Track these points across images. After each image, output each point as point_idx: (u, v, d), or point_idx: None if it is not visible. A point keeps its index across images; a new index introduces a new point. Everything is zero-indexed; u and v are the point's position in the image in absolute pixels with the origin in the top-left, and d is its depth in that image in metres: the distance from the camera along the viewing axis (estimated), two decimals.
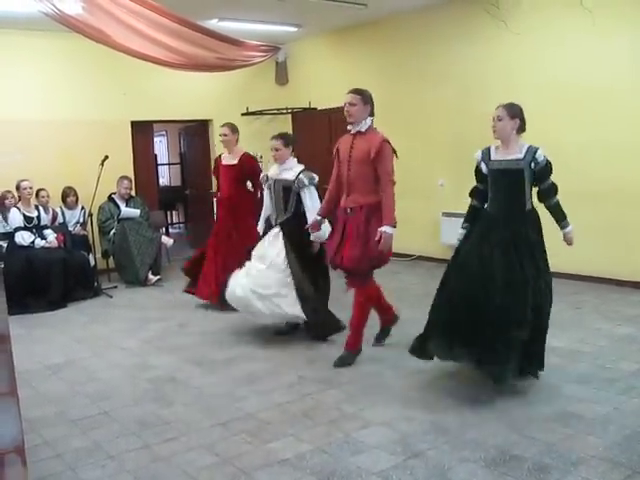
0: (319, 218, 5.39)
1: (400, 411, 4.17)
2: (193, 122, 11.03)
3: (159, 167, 13.97)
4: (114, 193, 8.87)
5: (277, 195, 5.86)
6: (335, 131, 9.49)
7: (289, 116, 11.17)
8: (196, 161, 11.55)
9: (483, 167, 4.63)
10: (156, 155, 12.66)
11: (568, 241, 4.55)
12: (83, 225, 8.64)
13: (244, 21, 8.87)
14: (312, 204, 5.67)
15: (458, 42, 8.43)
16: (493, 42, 7.98)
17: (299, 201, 5.76)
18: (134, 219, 8.71)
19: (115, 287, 8.38)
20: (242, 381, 4.87)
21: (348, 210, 5.03)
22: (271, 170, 6.00)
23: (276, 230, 5.81)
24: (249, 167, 6.94)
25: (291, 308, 5.57)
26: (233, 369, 5.16)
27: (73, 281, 7.77)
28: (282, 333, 6.04)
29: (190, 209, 12.81)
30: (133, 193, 9.17)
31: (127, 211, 8.76)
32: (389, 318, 5.57)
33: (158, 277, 8.55)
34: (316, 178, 5.81)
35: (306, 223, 5.56)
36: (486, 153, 4.60)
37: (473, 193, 4.81)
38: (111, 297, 7.94)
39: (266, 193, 6.06)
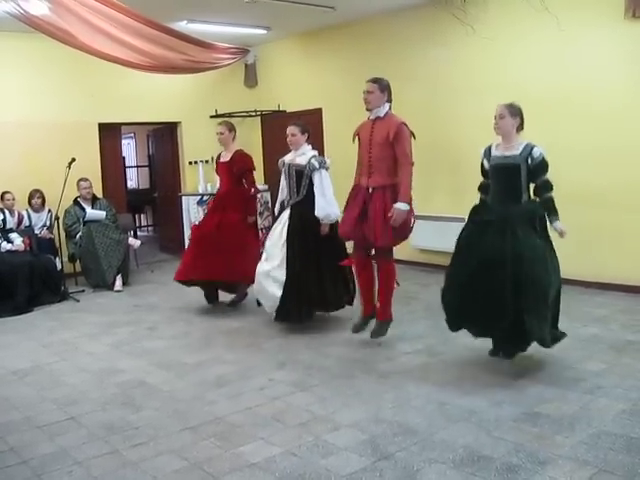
0: None
1: (370, 413, 4.18)
2: (161, 124, 10.96)
3: (127, 169, 13.86)
4: (79, 196, 8.77)
5: (291, 179, 6.18)
6: None
7: (258, 118, 11.16)
8: (165, 163, 11.46)
9: (485, 163, 5.00)
10: (124, 157, 12.56)
11: (559, 234, 4.70)
12: (50, 228, 8.53)
13: (213, 23, 8.84)
14: (322, 187, 5.99)
15: (426, 45, 8.49)
16: (460, 46, 8.05)
17: (311, 184, 6.05)
18: (100, 221, 8.62)
19: (82, 291, 8.29)
20: (212, 385, 4.85)
21: (370, 189, 5.35)
22: (287, 156, 6.31)
23: (287, 213, 6.16)
24: (240, 164, 6.97)
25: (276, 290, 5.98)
26: (203, 373, 5.13)
27: (39, 285, 7.67)
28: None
29: (159, 212, 12.71)
30: (97, 193, 9.07)
31: (92, 213, 8.66)
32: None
33: (120, 290, 8.39)
34: (328, 161, 6.13)
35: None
36: (487, 150, 4.96)
37: (481, 188, 5.17)
38: (78, 301, 7.85)
39: (282, 178, 6.35)
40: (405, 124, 5.32)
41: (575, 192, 6.89)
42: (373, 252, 5.54)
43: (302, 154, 6.16)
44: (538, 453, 3.51)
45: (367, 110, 5.47)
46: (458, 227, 8.02)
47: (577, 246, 6.99)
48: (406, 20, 8.62)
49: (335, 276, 6.11)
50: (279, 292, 5.95)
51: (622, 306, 6.45)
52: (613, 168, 6.84)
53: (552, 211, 4.73)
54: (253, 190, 7.10)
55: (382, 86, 5.41)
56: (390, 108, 5.45)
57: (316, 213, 5.96)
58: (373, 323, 5.65)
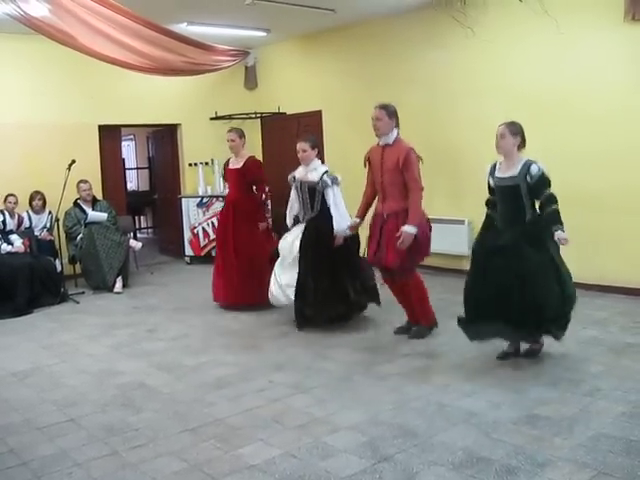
0: (357, 220, 5.95)
1: (369, 415, 4.18)
2: (161, 126, 10.96)
3: (127, 171, 13.86)
4: (79, 198, 8.76)
5: (304, 195, 6.30)
6: None
7: (258, 121, 11.16)
8: (165, 165, 11.46)
9: (491, 181, 5.12)
10: (124, 159, 12.56)
11: (562, 241, 4.76)
12: (50, 230, 8.52)
13: (213, 25, 8.85)
14: (335, 203, 6.13)
15: (425, 48, 8.50)
16: (460, 48, 8.05)
17: (324, 200, 6.19)
18: (101, 223, 8.61)
19: (82, 293, 8.29)
20: (211, 387, 4.85)
21: (385, 215, 5.57)
22: (298, 171, 6.41)
23: (302, 226, 6.31)
24: (252, 171, 7.04)
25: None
26: (202, 375, 5.13)
27: (39, 287, 7.67)
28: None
29: (158, 214, 12.71)
30: (97, 195, 9.07)
31: (94, 215, 8.66)
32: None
33: (120, 291, 8.37)
34: (339, 178, 6.23)
35: (331, 220, 6.08)
36: (492, 169, 5.08)
37: (488, 203, 5.26)
38: (78, 303, 7.85)
39: (293, 193, 6.46)
40: (413, 149, 5.46)
41: (574, 195, 6.89)
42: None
43: (313, 169, 6.25)
44: (537, 455, 3.51)
45: (376, 136, 5.58)
46: (458, 229, 8.17)
47: (577, 249, 6.95)
48: (406, 22, 8.62)
49: (352, 283, 6.18)
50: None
51: (622, 308, 6.45)
52: (612, 171, 6.84)
53: (555, 222, 4.77)
54: (264, 197, 7.14)
55: (390, 112, 5.52)
56: (398, 134, 5.56)
57: (335, 228, 6.06)
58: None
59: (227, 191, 7.69)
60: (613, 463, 3.39)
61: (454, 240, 8.23)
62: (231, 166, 7.15)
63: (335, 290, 6.09)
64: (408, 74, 8.72)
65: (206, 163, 10.56)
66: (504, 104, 7.59)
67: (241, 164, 7.02)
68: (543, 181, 4.77)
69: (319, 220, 6.18)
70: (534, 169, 4.76)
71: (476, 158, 8.06)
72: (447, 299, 7.12)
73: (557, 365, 4.92)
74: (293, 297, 6.17)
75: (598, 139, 6.92)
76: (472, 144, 8.08)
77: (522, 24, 7.38)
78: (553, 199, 4.78)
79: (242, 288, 6.89)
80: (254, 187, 7.10)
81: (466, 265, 8.24)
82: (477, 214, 7.97)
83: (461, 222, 8.23)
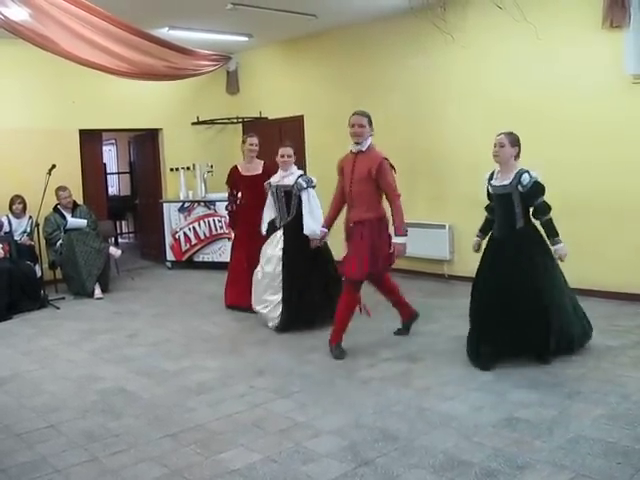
0: (325, 230, 5.86)
1: (350, 419, 4.19)
2: (143, 131, 10.93)
3: (108, 176, 13.79)
4: (59, 204, 8.70)
5: (280, 200, 6.33)
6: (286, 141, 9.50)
7: (240, 125, 11.16)
8: (146, 170, 11.42)
9: (489, 189, 5.24)
10: (105, 164, 12.51)
11: (559, 257, 4.94)
12: (30, 235, 8.45)
13: (195, 30, 8.84)
14: (311, 205, 6.16)
15: (406, 54, 8.55)
16: (440, 54, 8.10)
17: (300, 203, 6.19)
18: (81, 229, 8.54)
19: (62, 298, 8.23)
20: (192, 392, 4.83)
21: (351, 224, 5.48)
22: (274, 177, 6.42)
23: (279, 233, 6.31)
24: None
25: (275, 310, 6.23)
26: (183, 380, 5.12)
27: (19, 292, 7.61)
28: None
29: (140, 219, 12.65)
30: (77, 200, 9.00)
31: (73, 221, 8.59)
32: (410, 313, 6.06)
33: (100, 297, 8.34)
34: (314, 181, 6.24)
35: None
36: (490, 177, 5.19)
37: (487, 208, 5.39)
38: (58, 308, 7.80)
39: (269, 199, 6.46)
40: (386, 158, 5.38)
41: (553, 199, 6.93)
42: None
43: (290, 174, 6.28)
44: (517, 458, 3.54)
45: (356, 143, 5.44)
46: (438, 234, 8.20)
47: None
48: (387, 28, 8.67)
49: (327, 289, 6.21)
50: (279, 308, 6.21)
51: (601, 312, 6.48)
52: (592, 177, 6.89)
53: (551, 233, 4.92)
54: None
55: (369, 119, 5.44)
56: (371, 141, 5.47)
57: (304, 231, 6.06)
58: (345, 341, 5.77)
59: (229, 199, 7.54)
60: (592, 465, 3.42)
61: (435, 244, 8.27)
62: (246, 172, 7.14)
63: (311, 298, 6.16)
64: (389, 79, 8.77)
65: (188, 168, 10.54)
66: (484, 109, 7.67)
67: (260, 170, 7.08)
68: (535, 189, 4.88)
69: (296, 223, 6.19)
70: (525, 178, 4.86)
71: (457, 163, 8.12)
72: (427, 303, 7.16)
73: (537, 368, 4.94)
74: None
75: (577, 144, 6.98)
76: (453, 149, 8.13)
77: (501, 30, 7.44)
78: (546, 208, 4.92)
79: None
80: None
81: (447, 269, 8.38)
82: (458, 219, 8.13)
83: (442, 227, 8.27)
